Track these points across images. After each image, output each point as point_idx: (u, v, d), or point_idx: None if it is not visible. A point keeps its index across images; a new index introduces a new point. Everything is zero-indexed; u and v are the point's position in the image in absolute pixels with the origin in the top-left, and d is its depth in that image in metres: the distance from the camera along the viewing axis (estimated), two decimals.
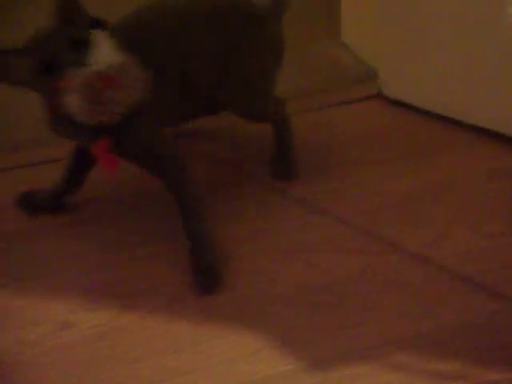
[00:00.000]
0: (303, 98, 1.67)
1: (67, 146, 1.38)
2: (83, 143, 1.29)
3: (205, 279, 1.25)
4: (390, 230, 1.35)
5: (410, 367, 1.12)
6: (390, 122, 1.62)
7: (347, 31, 1.80)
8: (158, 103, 1.25)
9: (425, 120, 1.62)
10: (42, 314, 1.22)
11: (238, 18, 1.34)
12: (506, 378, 1.10)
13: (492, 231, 1.34)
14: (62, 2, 1.19)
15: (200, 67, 1.31)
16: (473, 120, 1.57)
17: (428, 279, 1.26)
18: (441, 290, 1.24)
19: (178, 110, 1.32)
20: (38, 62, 1.17)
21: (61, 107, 1.18)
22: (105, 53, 1.17)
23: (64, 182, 1.40)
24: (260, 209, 1.41)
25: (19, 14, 1.92)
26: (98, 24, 1.22)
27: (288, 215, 1.39)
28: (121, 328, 1.20)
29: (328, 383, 1.11)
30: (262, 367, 1.14)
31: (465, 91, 1.55)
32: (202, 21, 1.31)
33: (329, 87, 1.70)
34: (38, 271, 1.30)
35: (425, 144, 1.55)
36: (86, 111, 1.15)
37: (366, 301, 1.22)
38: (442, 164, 1.50)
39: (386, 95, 1.68)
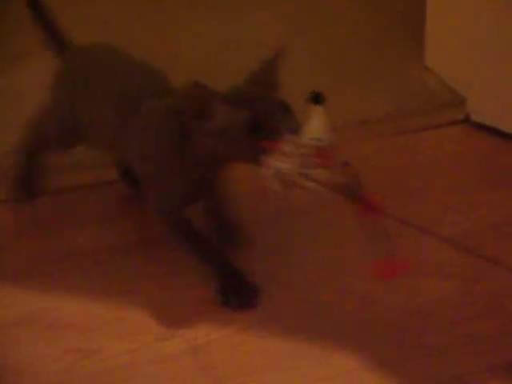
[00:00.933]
0: (388, 121, 1.67)
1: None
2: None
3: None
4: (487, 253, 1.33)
5: None
6: (478, 147, 1.61)
7: (431, 55, 1.79)
8: None
9: None
10: (142, 326, 1.25)
11: None
12: None
13: None
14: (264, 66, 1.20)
15: None
16: None
17: None
18: None
19: None
20: (251, 118, 1.14)
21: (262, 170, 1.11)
22: (318, 126, 1.10)
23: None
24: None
25: None
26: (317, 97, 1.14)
27: None
28: (217, 342, 1.21)
29: None
30: None
31: None
32: None
33: (415, 111, 1.70)
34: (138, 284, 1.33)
35: None
36: (287, 180, 1.09)
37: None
38: None
39: (474, 120, 1.67)
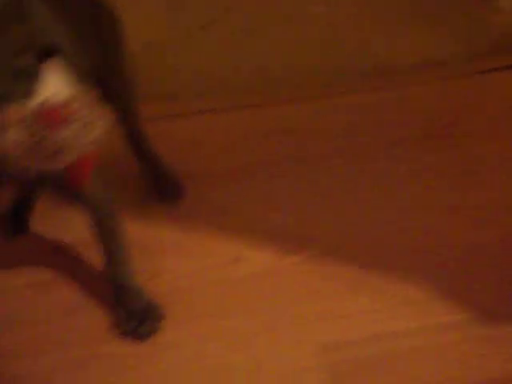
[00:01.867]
0: (456, 62, 1.64)
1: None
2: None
3: None
4: None
5: None
6: None
7: None
8: None
9: None
10: (216, 248, 1.29)
11: None
12: None
13: None
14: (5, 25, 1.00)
15: None
16: None
17: None
18: None
19: None
20: None
21: None
22: (53, 84, 0.96)
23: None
24: None
25: None
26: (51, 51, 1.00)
27: None
28: (285, 268, 1.25)
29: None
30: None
31: None
32: None
33: (485, 52, 1.66)
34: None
35: None
36: (25, 155, 0.95)
37: None
38: None
39: None
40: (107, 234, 1.17)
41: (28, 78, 0.97)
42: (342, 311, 1.18)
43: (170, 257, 1.27)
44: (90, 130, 0.96)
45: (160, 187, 1.39)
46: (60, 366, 1.15)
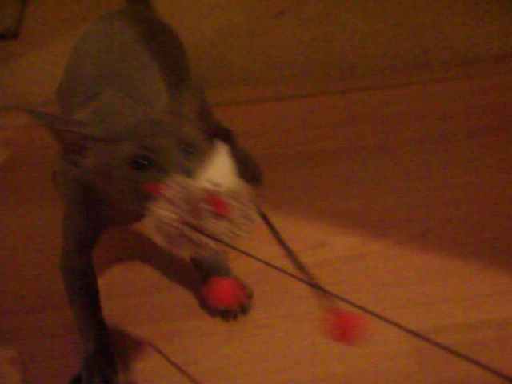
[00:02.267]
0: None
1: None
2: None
3: None
4: None
5: None
6: None
7: None
8: None
9: None
10: (299, 233, 1.30)
11: None
12: None
13: None
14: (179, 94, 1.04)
15: None
16: None
17: None
18: None
19: None
20: (135, 155, 0.95)
21: (136, 212, 0.97)
22: (220, 170, 0.91)
23: None
24: None
25: None
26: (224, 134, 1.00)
27: None
28: (371, 254, 1.26)
29: None
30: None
31: None
32: None
33: None
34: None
35: None
36: (170, 231, 0.88)
37: None
38: None
39: None
40: None
41: (197, 157, 0.96)
42: (428, 298, 1.19)
43: (253, 241, 1.27)
44: (242, 226, 0.90)
45: (239, 173, 1.38)
46: (149, 338, 1.17)
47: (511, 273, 1.22)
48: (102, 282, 1.23)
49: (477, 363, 0.79)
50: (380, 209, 1.33)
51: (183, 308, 1.21)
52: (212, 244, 0.87)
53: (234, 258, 1.23)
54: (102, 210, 1.08)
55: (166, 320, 1.20)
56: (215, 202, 0.87)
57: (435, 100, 1.55)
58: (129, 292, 1.24)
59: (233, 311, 1.19)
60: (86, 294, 1.15)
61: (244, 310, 1.19)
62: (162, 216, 0.86)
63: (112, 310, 1.20)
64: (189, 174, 0.91)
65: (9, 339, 1.18)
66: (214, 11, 1.74)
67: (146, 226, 0.89)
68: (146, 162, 0.94)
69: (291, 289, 1.20)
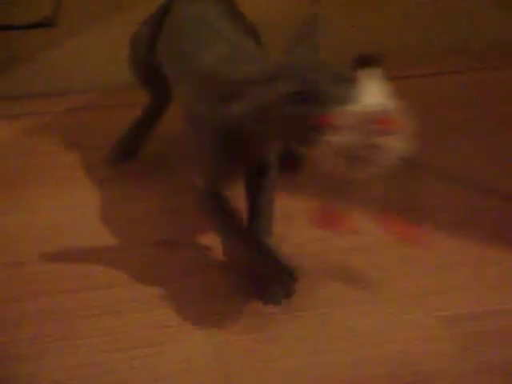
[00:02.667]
0: None
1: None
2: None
3: None
4: None
5: None
6: None
7: None
8: None
9: None
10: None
11: None
12: None
13: None
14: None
15: None
16: None
17: None
18: None
19: None
20: (295, 91, 0.99)
21: (311, 149, 0.99)
22: (375, 93, 0.97)
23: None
24: None
25: None
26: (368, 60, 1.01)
27: None
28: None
29: None
30: None
31: None
32: None
33: None
34: None
35: None
36: (352, 159, 0.95)
37: None
38: None
39: None
40: (264, 189, 1.20)
41: (347, 84, 0.98)
42: (468, 284, 1.20)
43: (295, 224, 1.30)
44: (403, 143, 0.95)
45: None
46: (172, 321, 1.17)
47: None
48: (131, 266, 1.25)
49: None
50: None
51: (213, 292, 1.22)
52: (387, 161, 0.94)
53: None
54: (240, 154, 1.13)
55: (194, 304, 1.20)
56: (384, 121, 0.93)
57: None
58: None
59: (276, 294, 1.18)
60: (232, 214, 1.18)
61: (288, 293, 1.18)
62: (337, 143, 0.93)
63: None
64: (350, 101, 0.95)
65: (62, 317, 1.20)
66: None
67: (316, 157, 0.95)
68: (308, 96, 0.97)
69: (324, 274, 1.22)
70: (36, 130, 1.54)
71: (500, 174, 1.38)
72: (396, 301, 1.18)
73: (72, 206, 1.37)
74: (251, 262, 1.20)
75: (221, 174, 1.18)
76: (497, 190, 1.35)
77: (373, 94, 0.96)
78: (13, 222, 1.35)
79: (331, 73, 1.00)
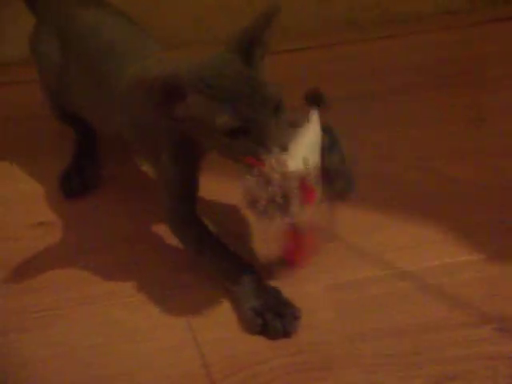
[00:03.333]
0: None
1: None
2: None
3: None
4: None
5: None
6: None
7: None
8: None
9: None
10: None
11: None
12: None
13: None
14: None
15: None
16: None
17: None
18: None
19: None
20: (230, 124, 0.96)
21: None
22: (312, 146, 0.96)
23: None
24: None
25: None
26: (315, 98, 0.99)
27: None
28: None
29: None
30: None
31: None
32: None
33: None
34: None
35: None
36: (258, 206, 0.95)
37: None
38: None
39: None
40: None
41: (287, 127, 0.97)
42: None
43: None
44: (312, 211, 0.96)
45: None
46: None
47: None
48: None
49: None
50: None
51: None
52: (291, 222, 0.97)
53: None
54: (193, 156, 1.11)
55: None
56: (306, 189, 0.94)
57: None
58: None
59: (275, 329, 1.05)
60: (208, 238, 1.13)
61: (287, 333, 1.06)
62: (253, 191, 0.94)
63: None
64: (284, 148, 0.94)
65: None
66: None
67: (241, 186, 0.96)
68: (246, 131, 0.96)
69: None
70: None
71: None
72: None
73: None
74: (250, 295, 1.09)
75: (184, 186, 1.14)
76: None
77: (308, 144, 0.96)
78: None
79: (273, 106, 0.97)
